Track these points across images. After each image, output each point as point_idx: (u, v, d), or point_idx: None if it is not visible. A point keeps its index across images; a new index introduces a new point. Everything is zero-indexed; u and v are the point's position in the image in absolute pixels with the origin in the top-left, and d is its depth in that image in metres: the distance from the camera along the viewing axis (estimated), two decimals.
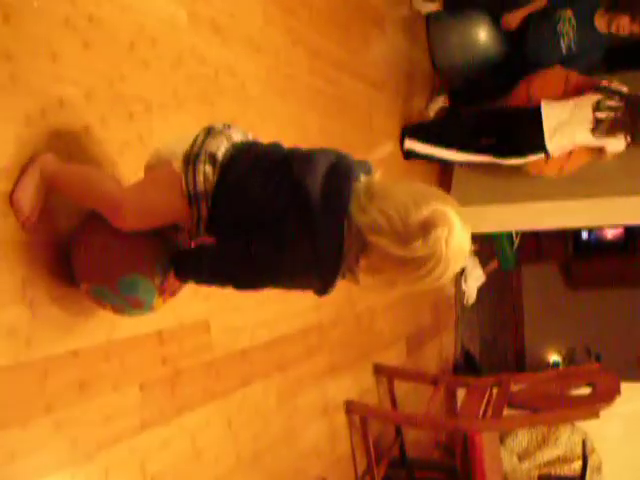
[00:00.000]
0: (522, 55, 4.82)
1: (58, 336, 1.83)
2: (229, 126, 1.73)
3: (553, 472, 4.56)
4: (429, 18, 5.14)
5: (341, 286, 3.62)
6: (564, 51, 4.68)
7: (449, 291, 5.86)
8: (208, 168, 1.61)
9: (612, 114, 4.18)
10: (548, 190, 5.11)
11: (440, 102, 5.30)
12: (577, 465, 4.40)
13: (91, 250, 1.75)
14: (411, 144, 4.59)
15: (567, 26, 4.61)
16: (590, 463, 4.34)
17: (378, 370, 3.94)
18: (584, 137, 4.27)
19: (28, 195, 1.72)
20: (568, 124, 4.27)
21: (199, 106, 2.48)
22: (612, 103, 4.21)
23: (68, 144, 1.87)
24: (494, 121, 4.59)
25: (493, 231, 5.97)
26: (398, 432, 3.98)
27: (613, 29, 4.45)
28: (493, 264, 6.68)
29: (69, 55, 1.90)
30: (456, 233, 1.49)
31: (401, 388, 4.14)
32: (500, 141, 4.54)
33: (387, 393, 4.02)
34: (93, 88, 1.98)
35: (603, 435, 4.68)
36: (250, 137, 1.77)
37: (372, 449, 3.58)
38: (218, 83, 2.61)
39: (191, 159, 1.62)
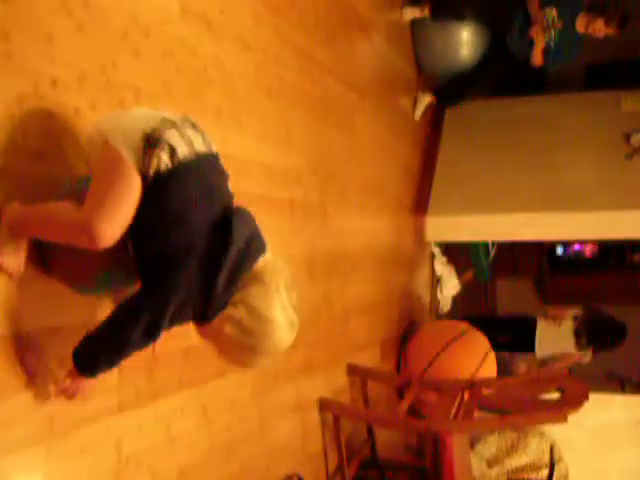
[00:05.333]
0: (505, 50, 5.09)
1: (40, 312, 1.86)
2: (194, 125, 1.75)
3: (521, 479, 4.62)
4: (414, 23, 5.26)
5: (319, 286, 3.65)
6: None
7: (424, 299, 5.92)
8: (165, 156, 1.61)
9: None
10: (526, 202, 5.20)
11: (426, 101, 5.42)
12: (544, 473, 4.46)
13: (65, 259, 1.79)
14: None
15: (550, 26, 4.84)
16: (557, 471, 4.40)
17: (352, 371, 3.98)
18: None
19: (8, 256, 1.72)
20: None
21: (187, 97, 2.52)
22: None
23: (58, 125, 1.91)
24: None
25: (470, 240, 6.05)
26: (370, 433, 4.02)
27: (589, 31, 4.71)
28: (468, 274, 6.75)
29: (63, 38, 1.94)
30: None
31: (374, 390, 4.19)
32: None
33: (360, 394, 4.07)
34: (85, 72, 2.02)
35: (571, 444, 4.75)
36: (213, 149, 1.78)
37: (344, 448, 3.62)
38: (207, 76, 2.65)
39: (152, 141, 1.61)
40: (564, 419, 3.10)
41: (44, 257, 1.84)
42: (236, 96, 2.86)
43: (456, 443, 3.45)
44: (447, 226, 5.55)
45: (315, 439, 3.60)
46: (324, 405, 3.58)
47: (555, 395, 3.48)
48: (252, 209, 1.84)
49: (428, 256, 5.96)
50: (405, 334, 4.98)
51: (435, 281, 6.09)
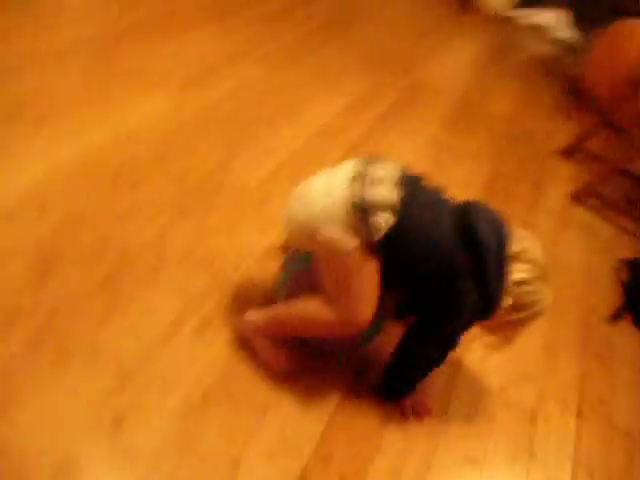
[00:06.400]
0: None
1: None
2: (376, 158, 1.73)
3: None
4: None
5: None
6: None
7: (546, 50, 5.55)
8: (382, 217, 1.60)
9: None
10: None
11: None
12: None
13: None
14: None
15: None
16: None
17: (567, 152, 3.77)
18: None
19: (271, 357, 1.89)
20: None
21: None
22: None
23: None
24: None
25: None
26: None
27: None
28: None
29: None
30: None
31: (599, 146, 3.96)
32: None
33: (593, 157, 3.83)
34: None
35: None
36: (397, 164, 1.75)
37: None
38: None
39: (362, 210, 1.61)
40: None
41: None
42: None
43: None
44: None
45: None
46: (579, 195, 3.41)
47: None
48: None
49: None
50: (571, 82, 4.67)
51: (535, 29, 5.71)
